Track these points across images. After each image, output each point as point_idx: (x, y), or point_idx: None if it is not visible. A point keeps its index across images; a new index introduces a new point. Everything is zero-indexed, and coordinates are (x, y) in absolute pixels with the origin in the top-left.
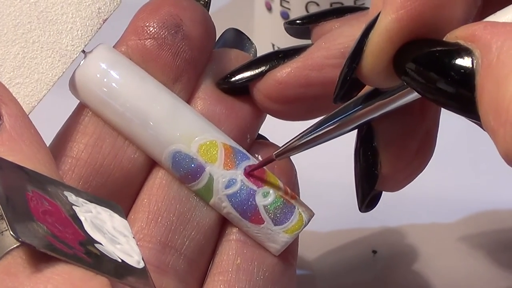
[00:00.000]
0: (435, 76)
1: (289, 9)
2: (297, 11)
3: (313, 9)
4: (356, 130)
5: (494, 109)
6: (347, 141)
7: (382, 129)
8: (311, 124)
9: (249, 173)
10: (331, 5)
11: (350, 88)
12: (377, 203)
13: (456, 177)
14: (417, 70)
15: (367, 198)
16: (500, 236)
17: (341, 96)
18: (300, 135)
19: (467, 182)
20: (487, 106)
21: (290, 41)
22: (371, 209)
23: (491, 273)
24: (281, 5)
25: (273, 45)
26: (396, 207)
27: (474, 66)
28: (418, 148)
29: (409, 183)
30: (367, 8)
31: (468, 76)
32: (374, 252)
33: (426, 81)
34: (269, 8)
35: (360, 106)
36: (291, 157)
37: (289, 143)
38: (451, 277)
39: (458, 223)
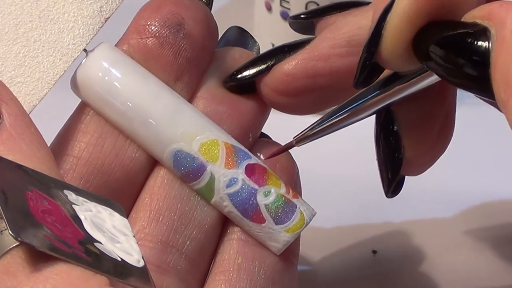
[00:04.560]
0: (455, 57)
1: (289, 9)
2: (297, 11)
3: None
4: (367, 121)
5: (505, 82)
6: (350, 141)
7: (403, 113)
8: (330, 109)
9: (267, 158)
10: None
11: (370, 72)
12: (402, 188)
13: (456, 172)
14: (436, 53)
15: (393, 184)
16: (502, 230)
17: (361, 81)
18: (320, 121)
19: (467, 176)
20: (499, 80)
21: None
22: (397, 194)
23: (494, 268)
24: (281, 5)
25: (272, 45)
26: (396, 207)
27: (490, 44)
28: (439, 130)
29: (431, 166)
30: (370, 3)
31: (485, 54)
32: (374, 252)
33: (445, 63)
34: (269, 8)
35: (379, 91)
36: (293, 155)
37: (308, 129)
38: (453, 274)
39: (459, 220)
